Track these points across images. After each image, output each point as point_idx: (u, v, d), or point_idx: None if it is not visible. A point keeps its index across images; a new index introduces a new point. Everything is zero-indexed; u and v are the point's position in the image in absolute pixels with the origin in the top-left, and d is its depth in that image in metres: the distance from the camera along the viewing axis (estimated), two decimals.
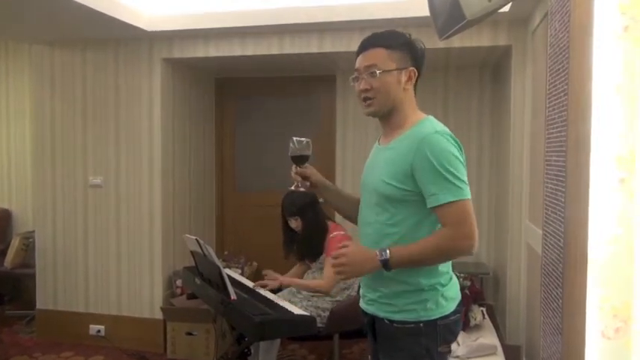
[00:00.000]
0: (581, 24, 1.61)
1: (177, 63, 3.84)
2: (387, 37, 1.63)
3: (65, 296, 3.92)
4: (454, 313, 1.62)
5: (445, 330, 1.60)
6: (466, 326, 2.89)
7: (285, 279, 3.02)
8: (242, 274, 3.88)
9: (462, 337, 2.76)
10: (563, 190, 1.83)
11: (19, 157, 4.79)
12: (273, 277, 2.98)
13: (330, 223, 3.06)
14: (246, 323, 2.33)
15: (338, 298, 2.99)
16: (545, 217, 2.18)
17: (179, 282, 3.81)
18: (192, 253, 2.82)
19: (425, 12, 2.26)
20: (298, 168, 1.75)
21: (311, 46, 3.46)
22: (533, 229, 2.84)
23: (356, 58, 1.67)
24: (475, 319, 2.92)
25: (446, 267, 1.64)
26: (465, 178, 1.53)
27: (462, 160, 1.55)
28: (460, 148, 1.57)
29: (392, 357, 1.63)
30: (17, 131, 4.78)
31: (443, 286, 1.60)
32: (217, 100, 4.58)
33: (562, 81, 1.91)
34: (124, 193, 3.78)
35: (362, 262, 1.55)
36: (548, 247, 2.11)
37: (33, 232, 4.17)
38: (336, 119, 4.27)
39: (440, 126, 1.60)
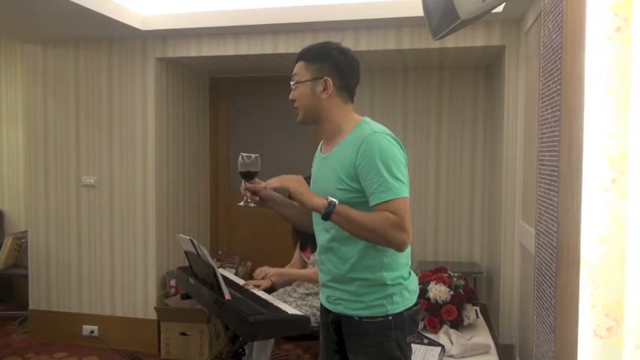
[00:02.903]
0: (574, 24, 1.62)
1: (171, 62, 3.83)
2: (307, 50, 1.74)
3: (58, 297, 3.90)
4: (416, 304, 1.71)
5: (410, 321, 1.68)
6: (460, 325, 2.90)
7: (274, 270, 2.99)
8: (236, 274, 3.88)
9: (455, 336, 2.77)
10: (556, 189, 1.84)
11: (11, 156, 4.76)
12: (264, 273, 2.97)
13: None
14: (240, 323, 2.32)
15: None
16: (538, 217, 2.19)
17: (173, 282, 3.80)
18: (186, 253, 2.81)
19: (419, 12, 2.27)
20: (247, 184, 1.75)
21: (305, 45, 3.44)
22: (527, 228, 2.85)
23: None
24: (469, 319, 2.93)
25: (405, 259, 1.69)
26: (405, 178, 1.58)
27: (402, 158, 1.61)
28: (401, 147, 1.63)
29: (363, 354, 1.66)
30: (9, 131, 4.75)
31: (405, 279, 1.67)
32: (211, 99, 4.57)
33: (555, 81, 1.91)
34: (117, 192, 3.77)
35: (310, 192, 1.59)
36: (541, 247, 2.12)
37: (25, 232, 4.14)
38: None
39: (378, 126, 1.65)
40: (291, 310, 2.55)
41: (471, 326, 2.96)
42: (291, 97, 1.71)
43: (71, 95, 3.81)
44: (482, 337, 2.87)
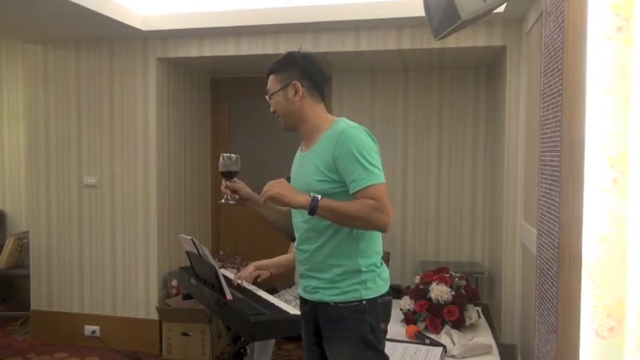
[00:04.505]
0: (575, 25, 1.62)
1: (172, 62, 3.83)
2: (275, 63, 1.87)
3: (60, 297, 3.91)
4: (387, 293, 1.82)
5: (382, 308, 1.79)
6: (461, 326, 2.90)
7: (257, 263, 3.00)
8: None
9: (457, 336, 2.77)
10: (558, 189, 1.84)
11: (13, 157, 4.77)
12: (249, 269, 2.98)
13: None
14: (242, 323, 2.33)
15: None
16: (540, 217, 2.19)
17: (174, 282, 3.80)
18: (188, 253, 2.81)
19: (420, 12, 2.27)
20: (228, 182, 1.87)
21: (306, 45, 3.45)
22: (528, 228, 2.85)
23: None
24: (470, 319, 2.93)
25: (378, 247, 1.82)
26: (380, 165, 1.71)
27: (375, 148, 1.74)
28: (374, 140, 1.76)
29: (338, 338, 1.75)
30: (11, 131, 4.75)
31: (377, 267, 1.79)
32: (212, 99, 4.57)
33: (556, 81, 1.91)
34: (118, 192, 3.77)
35: (294, 192, 1.68)
36: (543, 247, 2.12)
37: (27, 232, 4.15)
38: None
39: (353, 123, 1.78)
40: (292, 310, 2.55)
41: (472, 326, 2.95)
42: (271, 109, 1.86)
43: (72, 95, 3.82)
44: (484, 337, 2.86)
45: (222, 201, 1.90)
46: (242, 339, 2.69)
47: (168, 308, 3.66)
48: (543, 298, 2.09)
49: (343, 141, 1.68)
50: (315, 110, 1.84)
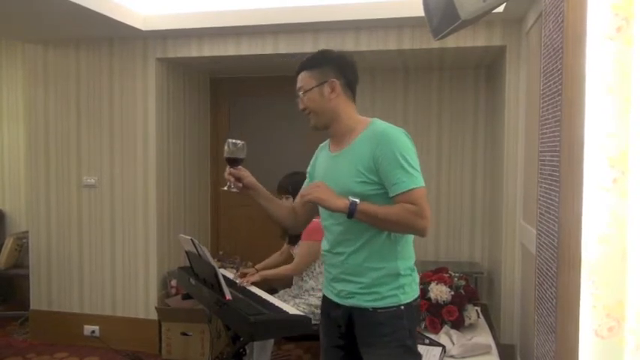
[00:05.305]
0: (575, 25, 1.62)
1: (172, 63, 3.83)
2: (309, 59, 1.82)
3: (59, 297, 3.91)
4: (419, 296, 1.82)
5: (417, 311, 1.81)
6: (461, 325, 2.90)
7: (252, 277, 3.00)
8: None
9: (456, 336, 2.77)
10: (557, 189, 1.84)
11: (12, 156, 4.76)
12: (249, 275, 2.98)
13: None
14: (241, 323, 2.33)
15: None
16: (539, 217, 2.19)
17: (174, 282, 3.80)
18: (187, 253, 2.81)
19: (419, 12, 2.27)
20: (231, 169, 1.81)
21: (305, 45, 3.46)
22: (528, 228, 2.85)
23: None
24: (470, 319, 2.93)
25: (413, 250, 1.80)
26: (419, 168, 1.70)
27: (415, 152, 1.72)
28: (412, 142, 1.75)
29: (377, 344, 1.71)
30: (11, 131, 4.75)
31: (413, 270, 1.78)
32: (212, 99, 4.57)
33: (556, 81, 1.91)
34: (118, 192, 3.77)
35: (333, 195, 1.66)
36: (542, 247, 2.12)
37: (26, 232, 4.15)
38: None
39: (391, 124, 1.76)
40: (291, 310, 2.55)
41: (471, 326, 2.95)
42: (301, 107, 1.80)
43: (72, 96, 3.82)
44: (483, 337, 2.86)
45: (225, 188, 1.84)
46: (241, 339, 2.69)
47: (168, 308, 3.66)
48: (543, 298, 2.09)
49: (386, 143, 1.66)
50: (348, 109, 1.79)
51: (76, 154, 3.83)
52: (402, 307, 1.71)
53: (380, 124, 1.74)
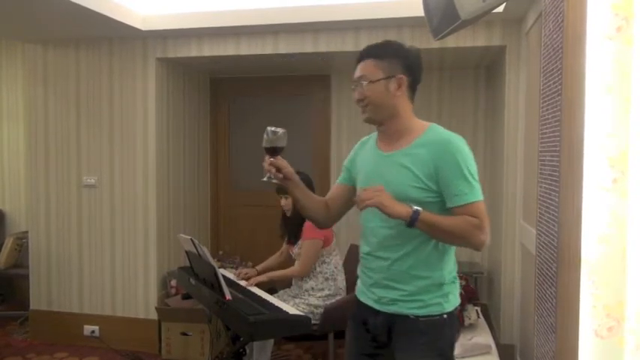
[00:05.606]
0: (575, 24, 1.62)
1: (172, 62, 3.83)
2: (377, 47, 1.72)
3: (59, 297, 3.90)
4: (460, 304, 1.76)
5: (457, 320, 1.76)
6: (461, 326, 2.90)
7: (259, 278, 3.00)
8: None
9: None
10: (557, 189, 1.84)
11: (12, 156, 4.76)
12: (248, 279, 2.99)
13: None
14: (241, 323, 2.33)
15: (326, 291, 3.00)
16: (539, 217, 2.19)
17: (174, 282, 3.80)
18: (187, 253, 2.81)
19: (419, 12, 2.27)
20: (272, 159, 1.72)
21: (305, 45, 3.46)
22: (528, 228, 2.85)
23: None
24: (469, 319, 2.93)
25: (455, 259, 1.74)
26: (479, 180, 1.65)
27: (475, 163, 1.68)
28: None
29: (415, 350, 1.66)
30: (11, 131, 4.75)
31: (456, 279, 1.73)
32: (212, 99, 4.57)
33: (555, 81, 1.91)
34: (118, 192, 3.77)
35: (395, 203, 1.56)
36: (542, 247, 2.12)
37: (26, 232, 4.15)
38: (330, 119, 4.28)
39: (451, 131, 1.70)
40: (291, 310, 2.55)
41: (471, 326, 2.95)
42: (358, 96, 1.69)
43: (72, 95, 3.81)
44: (483, 337, 2.86)
45: (265, 179, 1.74)
46: (241, 339, 2.69)
47: (168, 308, 3.66)
48: (542, 298, 2.09)
49: (450, 152, 1.60)
50: (407, 110, 1.71)
51: (76, 154, 3.83)
52: (445, 316, 1.66)
53: (441, 130, 1.69)
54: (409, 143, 1.67)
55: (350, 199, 1.84)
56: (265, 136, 1.73)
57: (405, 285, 1.66)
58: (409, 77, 1.68)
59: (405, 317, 1.66)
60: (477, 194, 1.60)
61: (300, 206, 1.86)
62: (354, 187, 1.83)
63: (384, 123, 1.71)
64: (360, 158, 1.83)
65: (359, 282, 1.82)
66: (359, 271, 1.82)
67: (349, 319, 1.85)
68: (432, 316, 1.65)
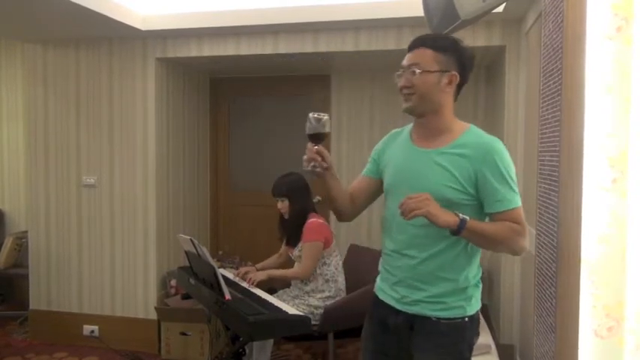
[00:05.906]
0: (575, 24, 1.62)
1: (172, 62, 3.83)
2: (436, 38, 1.69)
3: (59, 296, 3.90)
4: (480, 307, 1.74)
5: (478, 323, 1.71)
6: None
7: (261, 274, 2.99)
8: None
9: None
10: (557, 189, 1.84)
11: (12, 156, 4.76)
12: (250, 274, 2.97)
13: (310, 214, 3.05)
14: (241, 323, 2.33)
15: (326, 293, 3.00)
16: (539, 217, 2.19)
17: (173, 282, 3.80)
18: (187, 252, 2.81)
19: (419, 12, 2.27)
20: (317, 147, 1.63)
21: (305, 45, 3.46)
22: (528, 228, 2.85)
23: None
24: None
25: (479, 265, 1.71)
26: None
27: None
28: None
29: (433, 352, 1.64)
30: (10, 131, 4.75)
31: (479, 283, 1.70)
32: (212, 99, 4.57)
33: (555, 81, 1.91)
34: (117, 192, 3.77)
35: (443, 211, 1.51)
36: (542, 247, 2.12)
37: (26, 232, 4.14)
38: (330, 119, 4.27)
39: (489, 134, 1.68)
40: (291, 310, 2.55)
41: None
42: (406, 83, 1.62)
43: (71, 95, 3.81)
44: (483, 337, 2.84)
45: (308, 168, 1.64)
46: (241, 339, 2.69)
47: (167, 308, 3.66)
48: (542, 298, 2.09)
49: (493, 158, 1.57)
50: (450, 108, 1.67)
51: (76, 153, 3.82)
52: (467, 319, 1.64)
53: (482, 133, 1.66)
54: (447, 143, 1.63)
55: (375, 193, 1.79)
56: (308, 123, 1.65)
57: (430, 286, 1.62)
58: (460, 76, 1.65)
59: (427, 318, 1.63)
60: (517, 200, 1.59)
61: (330, 197, 1.76)
62: (380, 180, 1.78)
63: (424, 116, 1.66)
64: (393, 150, 1.76)
65: (379, 279, 1.78)
66: (380, 268, 1.78)
67: (366, 316, 1.80)
68: (454, 319, 1.62)
